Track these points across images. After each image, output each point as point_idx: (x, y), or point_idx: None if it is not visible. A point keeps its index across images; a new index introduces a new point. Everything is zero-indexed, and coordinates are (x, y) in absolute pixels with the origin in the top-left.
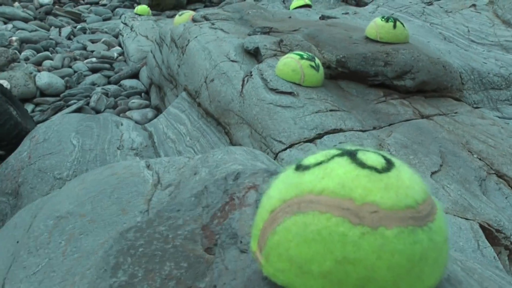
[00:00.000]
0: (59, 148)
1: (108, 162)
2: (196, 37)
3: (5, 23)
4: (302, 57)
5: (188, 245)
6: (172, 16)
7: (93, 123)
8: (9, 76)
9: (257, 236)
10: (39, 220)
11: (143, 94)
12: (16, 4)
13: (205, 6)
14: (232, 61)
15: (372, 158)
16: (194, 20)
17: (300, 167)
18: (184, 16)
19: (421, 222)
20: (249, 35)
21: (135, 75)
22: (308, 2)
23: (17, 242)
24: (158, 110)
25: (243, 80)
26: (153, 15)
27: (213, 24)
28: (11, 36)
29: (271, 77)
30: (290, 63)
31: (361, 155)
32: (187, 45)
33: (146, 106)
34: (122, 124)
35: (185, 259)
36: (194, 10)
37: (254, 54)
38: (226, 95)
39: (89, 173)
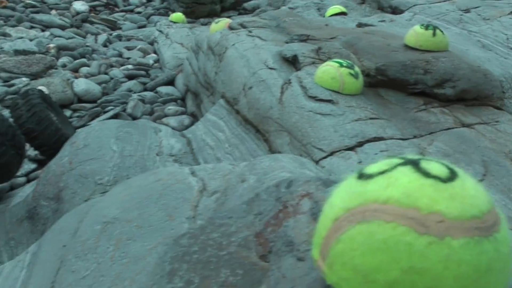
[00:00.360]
0: (100, 153)
1: (148, 168)
2: (233, 44)
3: (42, 30)
4: (341, 65)
5: (242, 252)
6: (206, 24)
7: (132, 129)
8: (47, 83)
9: (320, 245)
10: (86, 225)
11: (179, 101)
12: (53, 12)
13: (239, 14)
14: (271, 68)
15: (435, 167)
16: (231, 28)
17: (362, 176)
18: (221, 23)
19: (486, 232)
20: (287, 42)
21: (170, 82)
22: (344, 10)
23: (64, 246)
24: (194, 117)
25: (282, 88)
26: (188, 22)
27: (250, 31)
28: (48, 43)
29: (310, 84)
30: (330, 70)
31: (424, 164)
32: (224, 52)
33: (183, 113)
34: (160, 131)
35: (240, 266)
36: (228, 17)
37: (292, 62)
38: (265, 102)
39: (134, 179)
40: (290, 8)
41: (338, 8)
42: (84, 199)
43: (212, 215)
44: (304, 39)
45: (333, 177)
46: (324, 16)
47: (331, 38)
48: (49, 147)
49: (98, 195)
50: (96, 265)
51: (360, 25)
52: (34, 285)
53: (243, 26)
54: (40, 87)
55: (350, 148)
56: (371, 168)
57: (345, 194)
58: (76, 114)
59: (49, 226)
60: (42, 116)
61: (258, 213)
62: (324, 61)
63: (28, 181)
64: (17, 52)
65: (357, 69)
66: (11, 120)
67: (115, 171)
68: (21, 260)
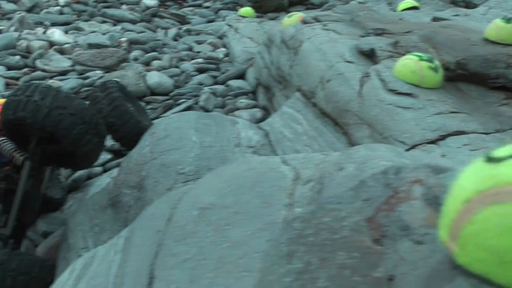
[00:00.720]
0: (180, 144)
1: (228, 159)
2: (309, 38)
3: (114, 24)
4: (421, 59)
5: (355, 236)
6: (274, 19)
7: (210, 121)
8: (121, 75)
9: (449, 226)
10: (182, 211)
11: (250, 94)
12: (124, 6)
13: (307, 9)
14: (348, 62)
15: None
16: (304, 22)
17: (492, 160)
18: (293, 17)
19: None
20: (362, 36)
21: (241, 76)
22: (416, 4)
23: (159, 231)
24: (266, 111)
25: (361, 81)
26: (256, 17)
27: (325, 25)
28: (120, 37)
29: (389, 78)
30: (409, 64)
31: None
32: (300, 46)
33: (254, 106)
34: (237, 123)
35: (355, 249)
36: (296, 12)
37: (369, 55)
38: (344, 95)
39: (225, 168)
40: (359, 2)
41: (410, 3)
42: (166, 188)
43: (321, 200)
44: (380, 33)
45: (443, 164)
46: (395, 11)
47: (407, 32)
48: (129, 139)
49: (180, 184)
50: (197, 249)
51: (435, 19)
52: (131, 268)
53: (317, 20)
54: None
55: (432, 142)
56: (499, 152)
57: (475, 177)
58: (149, 106)
59: (132, 213)
60: (123, 110)
61: (366, 199)
62: (402, 54)
63: (105, 170)
64: (91, 46)
65: (437, 62)
66: None
67: (196, 161)
68: (114, 244)
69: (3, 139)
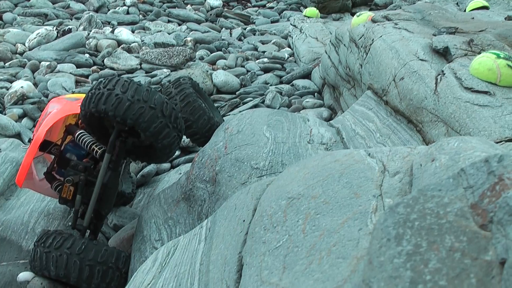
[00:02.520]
0: (254, 139)
1: (301, 155)
2: (381, 36)
3: (179, 24)
4: (498, 56)
5: (461, 221)
6: (338, 19)
7: (282, 117)
8: (188, 74)
9: None
10: (269, 201)
11: (315, 94)
12: (188, 7)
13: (370, 9)
14: (422, 60)
15: None
16: (373, 21)
17: None
18: (362, 17)
19: None
20: (434, 35)
21: (307, 76)
22: (486, 4)
23: (244, 220)
24: (332, 110)
25: (436, 79)
26: (320, 17)
27: (396, 24)
28: (186, 37)
29: (465, 76)
30: (486, 62)
31: None
32: (371, 44)
33: (320, 106)
34: (308, 120)
35: (462, 233)
36: (364, 11)
37: (443, 54)
38: (418, 93)
39: (308, 160)
40: (426, 2)
41: (479, 2)
42: (241, 182)
43: (422, 187)
44: (453, 31)
45: None
46: (464, 10)
47: (480, 31)
48: (202, 135)
49: (255, 178)
50: (288, 236)
51: (509, 17)
52: (216, 256)
53: (387, 18)
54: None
55: (510, 140)
56: None
57: None
58: (216, 104)
59: (206, 207)
60: (195, 106)
61: (468, 186)
62: (477, 53)
63: (172, 167)
64: (157, 45)
65: None
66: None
67: (270, 156)
68: (196, 233)
69: (82, 132)
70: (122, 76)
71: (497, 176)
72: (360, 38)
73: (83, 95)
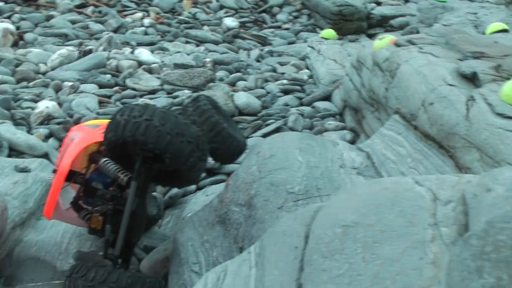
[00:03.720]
0: (287, 164)
1: (334, 180)
2: (406, 60)
3: (197, 45)
4: None
5: None
6: (354, 41)
7: (312, 141)
8: (210, 95)
9: None
10: (323, 228)
11: (337, 116)
12: (205, 27)
13: (386, 31)
14: (450, 85)
15: None
16: (397, 45)
17: None
18: (385, 40)
19: None
20: (460, 60)
21: (327, 98)
22: (506, 27)
23: (296, 247)
24: (354, 132)
25: (467, 104)
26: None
27: (421, 48)
28: (204, 58)
29: (496, 101)
30: None
31: None
32: (397, 68)
33: (343, 128)
34: (338, 144)
35: None
36: (374, 34)
37: (471, 79)
38: (449, 118)
39: (355, 188)
40: (444, 25)
41: (500, 25)
42: (277, 207)
43: (489, 219)
44: (478, 56)
45: None
46: (483, 33)
47: (505, 56)
48: (223, 151)
49: (291, 203)
50: (348, 265)
51: None
52: (271, 282)
53: (411, 43)
54: None
55: None
56: None
57: None
58: (239, 126)
59: (242, 230)
60: (213, 122)
61: None
62: (505, 78)
63: (198, 188)
64: (177, 66)
65: None
66: None
67: (305, 181)
68: (246, 259)
69: (106, 160)
70: (154, 105)
71: None
72: (385, 61)
73: (104, 122)
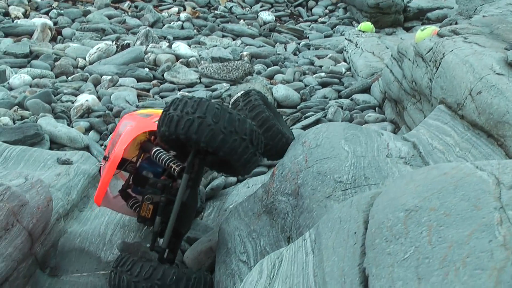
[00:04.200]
0: (334, 153)
1: (382, 169)
2: (452, 50)
3: (233, 39)
4: None
5: None
6: (391, 34)
7: (358, 131)
8: (249, 88)
9: None
10: (383, 213)
11: (376, 108)
12: (241, 21)
13: (423, 24)
14: (498, 74)
15: None
16: (440, 35)
17: None
18: (427, 31)
19: None
20: (507, 49)
21: (366, 90)
22: None
23: (355, 233)
24: (395, 124)
25: None
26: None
27: (465, 38)
28: (241, 51)
29: None
30: None
31: None
32: (442, 58)
33: (383, 120)
34: (383, 134)
35: None
36: (411, 27)
37: None
38: (499, 107)
39: (413, 173)
40: (484, 16)
41: None
42: (325, 196)
43: None
44: None
45: None
46: None
47: None
48: (272, 146)
49: (339, 192)
50: (414, 248)
51: None
52: (332, 268)
53: (455, 32)
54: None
55: None
56: None
57: None
58: None
59: (289, 220)
60: (264, 117)
61: None
62: None
63: (238, 180)
64: (214, 59)
65: None
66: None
67: (353, 170)
68: (301, 246)
69: (158, 149)
70: (207, 100)
71: None
72: (428, 52)
73: (155, 111)
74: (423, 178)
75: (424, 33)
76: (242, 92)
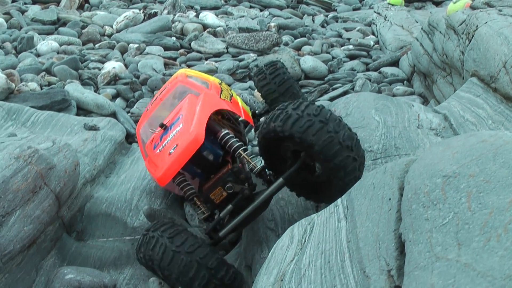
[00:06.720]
0: (364, 123)
1: (412, 140)
2: (486, 22)
3: (261, 10)
4: None
5: None
6: (420, 8)
7: (388, 102)
8: (276, 58)
9: None
10: (420, 179)
11: (405, 82)
12: None
13: None
14: None
15: None
16: (472, 8)
17: None
18: (459, 3)
19: None
20: None
21: (394, 63)
22: None
23: (389, 199)
24: (423, 98)
25: None
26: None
27: (500, 10)
28: (269, 22)
29: None
30: None
31: None
32: (475, 30)
33: (411, 93)
34: (413, 106)
35: None
36: (441, 2)
37: None
38: None
39: (450, 140)
40: None
41: None
42: None
43: None
44: None
45: None
46: None
47: None
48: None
49: (370, 161)
50: (453, 214)
51: None
52: (365, 233)
53: (489, 5)
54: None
55: None
56: None
57: None
58: (304, 89)
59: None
60: (295, 92)
61: None
62: None
63: None
64: (241, 30)
65: None
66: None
67: (383, 140)
68: (333, 212)
69: (227, 133)
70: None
71: None
72: (461, 24)
73: (207, 76)
74: (461, 145)
75: (457, 6)
76: (267, 63)
